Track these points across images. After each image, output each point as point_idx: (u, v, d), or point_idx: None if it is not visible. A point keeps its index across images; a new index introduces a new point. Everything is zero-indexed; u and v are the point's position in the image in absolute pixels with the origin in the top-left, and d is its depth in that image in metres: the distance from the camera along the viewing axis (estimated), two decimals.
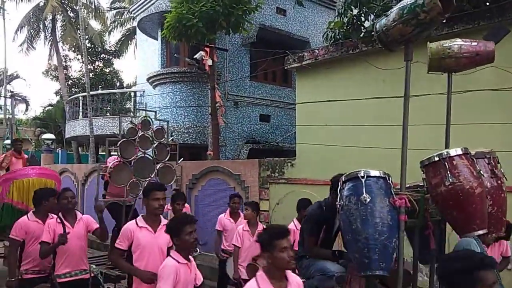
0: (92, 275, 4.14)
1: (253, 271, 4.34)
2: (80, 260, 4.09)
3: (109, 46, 26.38)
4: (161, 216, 3.56)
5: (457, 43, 3.17)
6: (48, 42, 23.37)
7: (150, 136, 5.66)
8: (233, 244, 5.07)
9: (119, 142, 5.30)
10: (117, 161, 5.35)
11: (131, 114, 6.24)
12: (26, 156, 8.92)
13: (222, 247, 5.68)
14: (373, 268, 2.48)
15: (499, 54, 4.92)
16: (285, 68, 7.52)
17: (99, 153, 20.29)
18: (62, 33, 22.49)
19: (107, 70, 26.92)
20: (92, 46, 24.21)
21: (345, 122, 6.24)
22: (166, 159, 5.87)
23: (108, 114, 16.26)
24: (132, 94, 15.65)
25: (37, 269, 4.19)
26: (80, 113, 15.86)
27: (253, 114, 12.56)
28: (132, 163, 5.43)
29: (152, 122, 5.83)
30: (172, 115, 11.58)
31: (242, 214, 5.75)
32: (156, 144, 5.71)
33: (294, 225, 4.87)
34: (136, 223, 3.37)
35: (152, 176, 5.59)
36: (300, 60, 7.02)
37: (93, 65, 25.48)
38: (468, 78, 5.07)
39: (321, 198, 6.66)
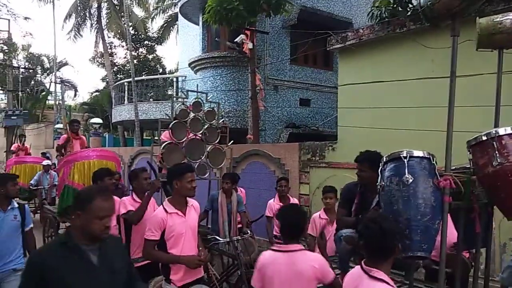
0: None
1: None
2: None
3: (152, 33, 26.99)
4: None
5: (509, 18, 2.94)
6: (94, 29, 24.26)
7: (201, 118, 5.68)
8: (309, 234, 4.66)
9: (171, 124, 5.36)
10: (169, 142, 5.41)
11: (183, 96, 6.26)
12: (83, 137, 9.23)
13: (275, 233, 5.47)
14: (414, 249, 2.42)
15: None
16: (328, 49, 7.34)
17: (144, 137, 20.98)
18: (107, 21, 23.25)
19: (150, 57, 27.59)
20: (136, 33, 24.87)
21: (390, 104, 6.03)
22: (216, 141, 5.88)
23: (151, 99, 16.72)
24: (174, 79, 15.96)
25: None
26: (126, 99, 16.41)
27: (293, 98, 12.44)
28: (183, 145, 5.48)
29: (203, 104, 5.85)
30: (213, 99, 11.62)
31: (291, 198, 5.68)
32: (206, 126, 5.73)
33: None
34: (165, 209, 3.11)
35: (202, 157, 5.64)
36: (344, 40, 6.82)
37: (137, 51, 26.19)
38: None
39: None
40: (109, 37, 25.39)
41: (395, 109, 5.93)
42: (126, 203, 3.97)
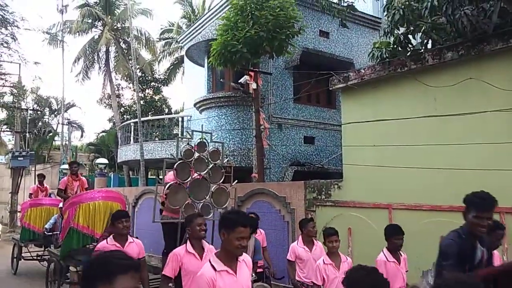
0: None
1: None
2: None
3: (159, 75, 27.68)
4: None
5: None
6: (102, 72, 24.94)
7: (206, 158, 5.69)
8: (313, 282, 4.39)
9: (176, 164, 5.38)
10: (173, 182, 5.39)
11: (188, 136, 6.35)
12: (84, 178, 9.18)
13: (297, 278, 5.11)
14: None
15: None
16: (330, 89, 7.47)
17: (149, 177, 20.98)
18: (115, 64, 23.95)
19: (157, 97, 28.09)
20: (143, 75, 25.51)
21: (393, 142, 6.04)
22: (221, 181, 5.86)
23: (157, 139, 16.86)
24: (180, 119, 16.17)
25: None
26: (132, 139, 16.57)
27: (297, 136, 12.51)
28: (187, 185, 5.48)
29: (208, 144, 5.87)
30: (218, 138, 11.76)
31: (316, 242, 5.26)
32: (211, 166, 5.72)
33: (384, 256, 4.21)
34: (213, 266, 2.65)
35: (206, 197, 5.60)
36: (346, 80, 6.95)
37: (144, 92, 26.73)
38: None
39: (370, 221, 6.47)
40: (116, 79, 26.06)
41: (400, 147, 5.93)
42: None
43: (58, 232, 8.75)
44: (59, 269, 7.24)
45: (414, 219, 5.74)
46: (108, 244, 4.06)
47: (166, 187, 5.33)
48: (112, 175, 22.56)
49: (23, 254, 9.56)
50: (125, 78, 25.95)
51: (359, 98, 6.89)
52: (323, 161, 12.46)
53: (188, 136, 6.35)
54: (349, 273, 2.06)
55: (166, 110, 28.08)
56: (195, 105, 13.10)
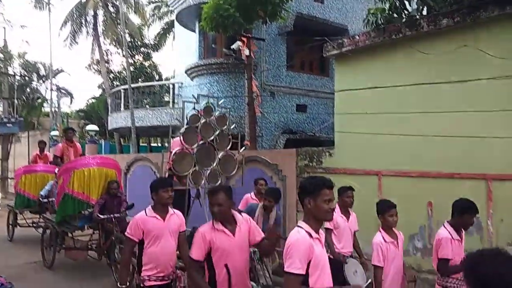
0: None
1: None
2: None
3: (148, 40, 27.04)
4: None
5: None
6: (91, 36, 24.25)
7: (213, 124, 5.49)
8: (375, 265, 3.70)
9: (183, 129, 5.19)
10: (179, 148, 5.21)
11: (193, 100, 5.88)
12: (78, 144, 9.03)
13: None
14: None
15: None
16: (324, 55, 7.37)
17: (140, 144, 20.92)
18: (104, 28, 23.26)
19: (147, 64, 27.61)
20: (132, 40, 24.87)
21: (386, 110, 6.05)
22: (228, 148, 5.67)
23: (147, 106, 16.69)
24: (171, 86, 15.95)
25: (161, 275, 3.49)
26: (122, 106, 16.38)
27: (290, 104, 12.46)
28: (194, 151, 5.29)
29: (214, 109, 5.65)
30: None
31: (352, 212, 4.91)
32: (218, 132, 5.52)
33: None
34: (308, 233, 2.37)
35: (213, 165, 5.44)
36: (340, 47, 6.85)
37: (133, 58, 26.19)
38: None
39: (360, 187, 6.57)
40: (105, 44, 25.38)
41: (392, 115, 5.95)
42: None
43: (54, 199, 8.52)
44: (54, 235, 7.27)
45: (403, 185, 5.85)
46: (147, 216, 3.51)
47: (173, 153, 5.12)
48: (103, 142, 22.45)
49: (18, 221, 9.58)
50: (114, 43, 25.32)
51: (353, 66, 6.82)
52: (315, 129, 12.50)
53: (194, 100, 5.96)
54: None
55: (157, 77, 27.67)
56: (186, 71, 12.89)
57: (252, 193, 5.98)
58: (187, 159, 5.16)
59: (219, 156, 5.49)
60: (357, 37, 6.68)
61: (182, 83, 14.42)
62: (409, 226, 5.39)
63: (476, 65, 5.22)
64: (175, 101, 15.05)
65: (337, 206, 4.68)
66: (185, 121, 5.48)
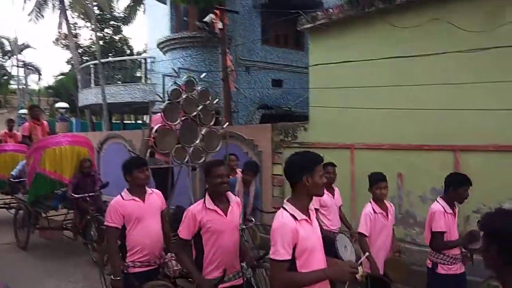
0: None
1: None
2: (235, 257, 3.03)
3: (118, 13, 26.01)
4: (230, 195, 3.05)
5: None
6: (57, 10, 23.12)
7: (195, 98, 5.24)
8: (359, 232, 3.80)
9: (164, 104, 4.92)
10: (161, 125, 4.96)
11: (174, 74, 5.55)
12: (45, 122, 8.73)
13: (324, 227, 4.49)
14: None
15: None
16: (298, 29, 7.29)
17: (113, 121, 20.47)
18: (71, 0, 22.18)
19: (117, 38, 26.67)
20: (101, 13, 23.87)
21: (359, 83, 6.09)
22: (211, 124, 5.47)
23: (119, 82, 16.24)
24: (143, 61, 15.53)
25: (146, 260, 3.28)
26: (92, 82, 15.87)
27: (265, 79, 12.38)
28: (177, 127, 5.07)
29: (197, 82, 5.41)
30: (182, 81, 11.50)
31: (335, 188, 4.93)
32: (200, 107, 5.28)
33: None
34: (292, 215, 2.25)
35: (197, 141, 5.24)
36: (314, 20, 6.79)
37: (103, 32, 25.24)
38: (489, 36, 4.88)
39: (334, 160, 6.68)
40: (72, 17, 24.31)
41: (366, 89, 6.00)
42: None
43: (26, 179, 8.19)
44: (27, 216, 7.11)
45: (374, 157, 5.99)
46: (125, 199, 3.28)
47: (154, 130, 4.84)
48: (74, 120, 21.83)
49: None
50: (81, 16, 24.24)
51: (327, 39, 6.79)
52: (291, 104, 12.52)
53: (175, 74, 5.61)
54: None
55: (128, 52, 26.83)
56: (158, 45, 12.55)
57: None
58: (169, 136, 4.93)
59: (203, 132, 5.29)
60: (330, 10, 6.63)
61: (154, 58, 14.06)
62: None
63: (447, 39, 5.29)
64: (148, 76, 14.70)
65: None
66: (166, 96, 5.24)
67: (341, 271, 2.15)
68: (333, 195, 4.71)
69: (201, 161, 5.32)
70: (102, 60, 15.57)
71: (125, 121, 24.75)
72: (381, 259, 3.67)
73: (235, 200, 3.04)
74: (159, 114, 5.10)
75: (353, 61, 6.12)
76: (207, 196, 2.91)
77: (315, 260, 2.22)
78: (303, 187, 2.24)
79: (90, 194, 6.43)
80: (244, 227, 4.49)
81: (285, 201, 2.31)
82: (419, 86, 5.41)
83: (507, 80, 4.72)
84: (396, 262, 3.66)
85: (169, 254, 3.40)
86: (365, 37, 6.26)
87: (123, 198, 3.30)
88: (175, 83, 5.18)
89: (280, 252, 2.10)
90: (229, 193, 3.03)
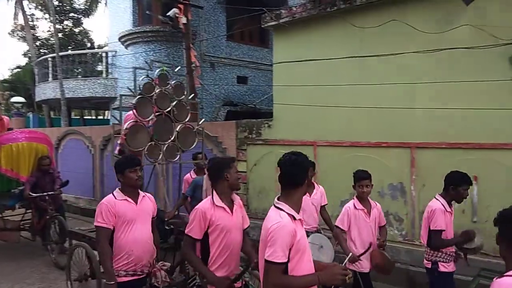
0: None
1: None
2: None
3: (78, 4, 25.05)
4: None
5: None
6: (12, 0, 21.97)
7: (169, 93, 4.97)
8: (336, 226, 3.90)
9: (135, 99, 4.61)
10: (133, 121, 4.68)
11: (146, 67, 5.30)
12: (6, 117, 8.29)
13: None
14: None
15: (474, 13, 4.96)
16: (262, 26, 7.32)
17: (72, 117, 19.75)
18: None
19: (77, 30, 25.72)
20: (60, 4, 22.90)
21: (323, 82, 6.21)
22: (187, 120, 5.20)
23: (79, 76, 15.69)
24: (104, 54, 15.05)
25: (132, 268, 3.04)
26: (50, 75, 15.23)
27: (230, 76, 12.35)
28: (149, 124, 4.80)
29: (170, 76, 5.13)
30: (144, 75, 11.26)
31: (318, 186, 4.82)
32: (175, 103, 5.02)
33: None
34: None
35: (171, 138, 4.97)
36: (277, 18, 6.84)
37: (62, 24, 24.25)
38: (443, 38, 5.11)
39: None
40: (30, 8, 23.19)
41: (328, 87, 6.12)
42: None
43: None
44: None
45: (336, 154, 6.14)
46: (117, 199, 3.07)
47: (125, 127, 4.57)
48: (31, 115, 20.89)
49: None
50: (39, 7, 23.17)
51: (291, 37, 6.87)
52: (256, 101, 12.56)
53: (147, 68, 5.29)
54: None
55: (89, 45, 25.93)
56: (120, 39, 12.22)
57: (192, 172, 5.78)
58: (141, 133, 4.64)
59: (177, 129, 5.02)
60: (294, 9, 6.70)
61: (116, 52, 13.66)
62: (341, 192, 5.69)
63: (404, 39, 5.49)
64: (109, 70, 14.27)
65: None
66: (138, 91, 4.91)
67: (333, 274, 2.13)
68: (310, 194, 4.55)
69: (176, 159, 5.07)
70: (61, 53, 15.00)
71: (85, 117, 23.96)
72: (364, 256, 3.69)
73: (238, 199, 2.96)
74: (131, 112, 4.82)
75: (316, 59, 6.23)
76: (215, 194, 2.80)
77: (305, 261, 2.19)
78: (299, 190, 2.22)
79: (50, 193, 6.23)
80: None
81: (277, 200, 2.22)
82: (378, 85, 5.58)
83: (459, 81, 4.96)
84: (382, 256, 3.66)
85: (160, 263, 3.23)
86: (328, 36, 6.38)
87: (115, 198, 3.09)
88: (147, 76, 4.88)
89: (279, 254, 2.04)
90: (233, 193, 2.94)
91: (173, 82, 5.06)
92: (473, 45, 4.90)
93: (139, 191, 3.22)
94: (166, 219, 4.41)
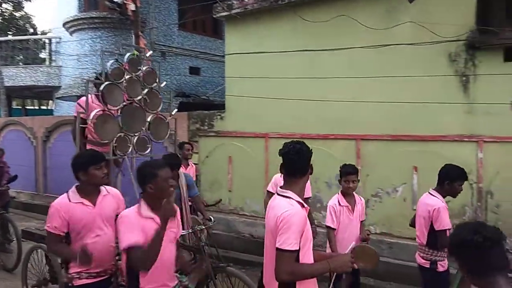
0: None
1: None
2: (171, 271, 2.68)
3: None
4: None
5: None
6: None
7: (140, 80, 4.58)
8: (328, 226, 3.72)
9: (102, 86, 4.16)
10: (100, 110, 4.22)
11: (119, 52, 4.75)
12: None
13: None
14: None
15: (417, 11, 5.18)
16: (214, 16, 7.22)
17: (13, 107, 18.50)
18: None
19: (18, 15, 24.04)
20: None
21: (274, 74, 6.24)
22: (159, 109, 4.84)
23: (20, 63, 14.72)
24: (47, 41, 14.19)
25: (94, 271, 2.78)
26: None
27: (182, 66, 12.10)
28: (119, 113, 4.37)
29: (141, 61, 4.74)
30: (92, 64, 10.78)
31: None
32: (146, 90, 4.64)
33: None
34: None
35: (143, 129, 4.59)
36: (229, 8, 6.77)
37: (1, 8, 22.58)
38: (388, 33, 5.31)
39: (249, 149, 6.81)
40: None
41: (279, 79, 6.17)
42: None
43: None
44: None
45: None
46: (71, 201, 2.72)
47: (92, 116, 4.10)
48: None
49: None
50: None
51: (243, 29, 6.83)
52: (210, 93, 12.41)
53: (119, 52, 4.77)
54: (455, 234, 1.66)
55: (31, 30, 24.35)
56: (64, 25, 11.57)
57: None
58: (109, 123, 4.22)
59: (149, 119, 4.63)
60: (245, 0, 6.66)
61: (60, 38, 12.93)
62: None
63: (352, 34, 5.64)
64: (53, 58, 13.49)
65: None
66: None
67: (343, 262, 2.13)
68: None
69: (147, 152, 4.68)
70: (0, 39, 13.94)
71: (27, 107, 22.56)
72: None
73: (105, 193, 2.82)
74: (90, 96, 4.38)
75: (266, 52, 6.25)
76: (142, 203, 2.51)
77: (310, 249, 2.18)
78: (307, 177, 2.26)
79: None
80: (204, 227, 4.02)
81: (281, 189, 2.19)
82: (327, 79, 5.71)
83: (402, 76, 5.18)
84: (365, 251, 3.49)
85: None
86: (279, 29, 6.41)
87: (69, 200, 2.73)
88: (116, 60, 4.44)
89: (292, 242, 2.01)
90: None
91: (144, 68, 4.68)
92: (416, 42, 5.13)
93: (102, 188, 2.86)
94: None
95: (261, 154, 6.54)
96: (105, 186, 2.90)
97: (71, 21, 11.23)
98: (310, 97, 5.87)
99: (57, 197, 2.82)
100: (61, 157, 9.18)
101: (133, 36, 9.04)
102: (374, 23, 5.41)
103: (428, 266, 3.38)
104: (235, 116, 6.93)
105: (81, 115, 4.27)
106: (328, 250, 3.65)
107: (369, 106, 5.45)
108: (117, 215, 2.71)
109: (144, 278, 2.43)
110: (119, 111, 4.37)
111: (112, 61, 4.40)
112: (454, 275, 3.38)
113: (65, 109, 13.10)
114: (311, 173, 4.22)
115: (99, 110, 4.19)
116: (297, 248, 2.03)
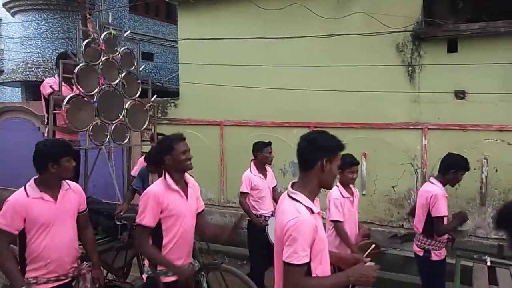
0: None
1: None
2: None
3: None
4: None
5: None
6: None
7: (117, 62, 4.18)
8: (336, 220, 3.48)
9: (77, 68, 3.74)
10: (74, 94, 3.80)
11: (91, 30, 4.17)
12: None
13: (255, 211, 4.32)
14: None
15: (367, 1, 5.33)
16: (166, 0, 7.02)
17: None
18: None
19: None
20: None
21: (228, 61, 6.19)
22: (137, 95, 4.44)
23: None
24: None
25: (54, 275, 2.56)
26: None
27: (134, 51, 11.68)
28: (95, 98, 3.95)
29: (119, 42, 4.27)
30: (37, 47, 10.17)
31: (268, 168, 4.57)
32: (124, 74, 4.22)
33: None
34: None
35: (120, 116, 4.21)
36: None
37: None
38: (340, 23, 5.42)
39: (204, 137, 6.75)
40: None
41: (234, 67, 6.13)
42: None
43: None
44: None
45: (242, 134, 6.24)
46: (29, 197, 2.47)
47: (65, 101, 3.67)
48: None
49: None
50: None
51: (197, 14, 6.70)
52: (164, 80, 12.11)
53: (92, 30, 4.48)
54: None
55: None
56: (4, 5, 10.77)
57: (253, 166, 4.79)
58: (84, 110, 3.84)
59: (127, 106, 4.27)
60: None
61: (1, 20, 12.04)
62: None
63: (304, 23, 5.70)
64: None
65: (252, 164, 4.42)
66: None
67: (366, 276, 1.85)
68: (265, 177, 4.38)
69: (125, 141, 4.33)
70: None
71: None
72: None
73: (192, 181, 2.71)
74: (52, 78, 4.05)
75: (221, 38, 6.18)
76: (168, 176, 2.53)
77: (325, 258, 1.92)
78: (320, 173, 1.86)
79: None
80: None
81: (292, 189, 1.87)
82: (281, 67, 5.75)
83: (353, 65, 5.33)
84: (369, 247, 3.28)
85: (85, 263, 2.76)
86: (233, 15, 6.35)
87: (27, 195, 2.48)
88: (93, 39, 4.00)
89: (299, 255, 1.74)
90: (187, 175, 2.69)
91: (121, 49, 4.25)
92: (365, 32, 5.28)
93: (63, 182, 2.64)
94: (118, 213, 3.68)
95: (216, 142, 6.51)
96: (67, 180, 2.67)
97: (13, 1, 10.49)
98: (265, 85, 5.90)
99: None
100: (4, 146, 8.64)
101: (80, 18, 8.60)
102: (326, 13, 5.50)
103: (421, 254, 3.40)
104: (189, 103, 6.84)
105: (54, 97, 3.78)
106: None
107: (321, 95, 5.57)
108: (79, 213, 2.69)
109: (165, 250, 2.52)
110: (94, 97, 3.97)
111: (87, 40, 4.02)
112: (455, 263, 3.52)
113: (8, 96, 12.30)
114: (270, 163, 4.41)
115: (74, 95, 3.80)
116: (306, 261, 1.76)
